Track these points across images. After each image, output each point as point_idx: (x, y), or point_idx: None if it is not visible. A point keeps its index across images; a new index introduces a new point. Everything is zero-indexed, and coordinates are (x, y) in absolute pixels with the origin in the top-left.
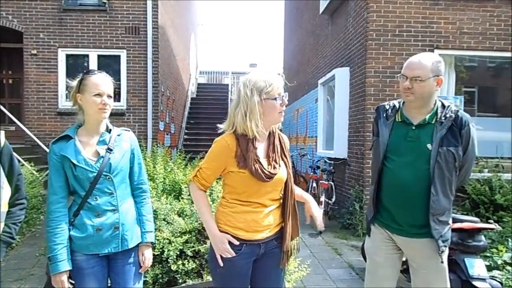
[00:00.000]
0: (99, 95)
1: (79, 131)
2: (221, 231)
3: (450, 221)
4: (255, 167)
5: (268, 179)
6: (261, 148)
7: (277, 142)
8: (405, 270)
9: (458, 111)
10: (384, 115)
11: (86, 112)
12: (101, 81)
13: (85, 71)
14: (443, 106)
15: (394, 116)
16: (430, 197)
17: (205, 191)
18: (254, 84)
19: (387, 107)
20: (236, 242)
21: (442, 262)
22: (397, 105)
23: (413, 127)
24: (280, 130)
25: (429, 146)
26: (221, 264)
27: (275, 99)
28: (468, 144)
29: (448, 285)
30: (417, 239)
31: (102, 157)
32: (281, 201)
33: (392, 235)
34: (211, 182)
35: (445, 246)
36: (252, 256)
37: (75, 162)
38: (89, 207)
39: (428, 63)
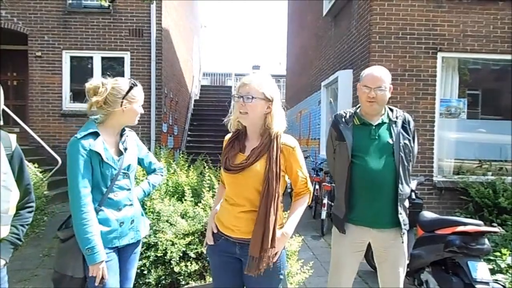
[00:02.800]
0: (141, 104)
1: (99, 128)
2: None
3: (407, 205)
4: (224, 158)
5: (228, 171)
6: (250, 147)
7: (265, 141)
8: (408, 273)
9: (403, 111)
10: (343, 120)
11: (122, 116)
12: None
13: (133, 82)
14: (390, 109)
15: (352, 121)
16: (397, 185)
17: (224, 186)
18: None
19: (344, 114)
20: (215, 230)
21: (402, 242)
22: (352, 111)
23: (374, 127)
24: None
25: (390, 140)
26: (204, 250)
27: (233, 97)
28: (414, 137)
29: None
30: (387, 229)
31: (123, 155)
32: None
33: (364, 230)
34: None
35: (406, 229)
36: (229, 252)
37: (104, 158)
38: (110, 202)
39: (385, 74)
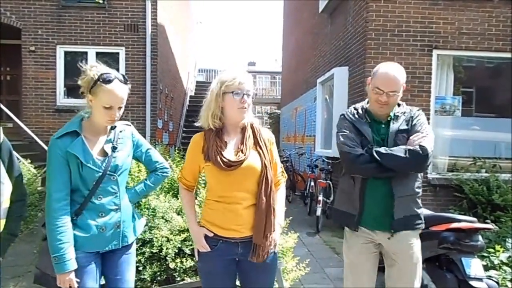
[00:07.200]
0: (110, 108)
1: (84, 125)
2: (201, 227)
3: (420, 211)
4: (214, 156)
5: (228, 167)
6: (232, 142)
7: (248, 134)
8: None
9: (411, 108)
10: (357, 117)
11: (94, 115)
12: (115, 94)
13: (104, 75)
14: (397, 104)
15: (364, 118)
16: (391, 183)
17: (190, 191)
18: (220, 78)
19: (354, 111)
20: (210, 234)
21: (412, 249)
22: (360, 110)
23: (383, 125)
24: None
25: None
26: (196, 257)
27: (233, 93)
28: (416, 125)
29: (419, 277)
30: (395, 233)
31: (109, 156)
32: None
33: (373, 233)
34: (192, 181)
35: (421, 227)
36: (230, 254)
37: (83, 161)
38: (92, 206)
39: (401, 76)
